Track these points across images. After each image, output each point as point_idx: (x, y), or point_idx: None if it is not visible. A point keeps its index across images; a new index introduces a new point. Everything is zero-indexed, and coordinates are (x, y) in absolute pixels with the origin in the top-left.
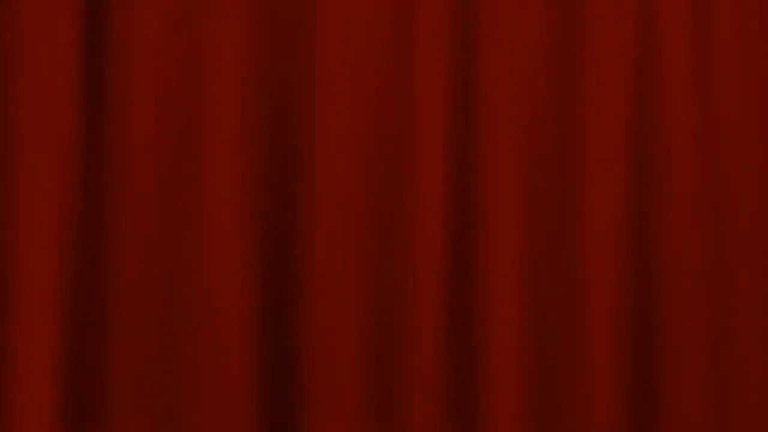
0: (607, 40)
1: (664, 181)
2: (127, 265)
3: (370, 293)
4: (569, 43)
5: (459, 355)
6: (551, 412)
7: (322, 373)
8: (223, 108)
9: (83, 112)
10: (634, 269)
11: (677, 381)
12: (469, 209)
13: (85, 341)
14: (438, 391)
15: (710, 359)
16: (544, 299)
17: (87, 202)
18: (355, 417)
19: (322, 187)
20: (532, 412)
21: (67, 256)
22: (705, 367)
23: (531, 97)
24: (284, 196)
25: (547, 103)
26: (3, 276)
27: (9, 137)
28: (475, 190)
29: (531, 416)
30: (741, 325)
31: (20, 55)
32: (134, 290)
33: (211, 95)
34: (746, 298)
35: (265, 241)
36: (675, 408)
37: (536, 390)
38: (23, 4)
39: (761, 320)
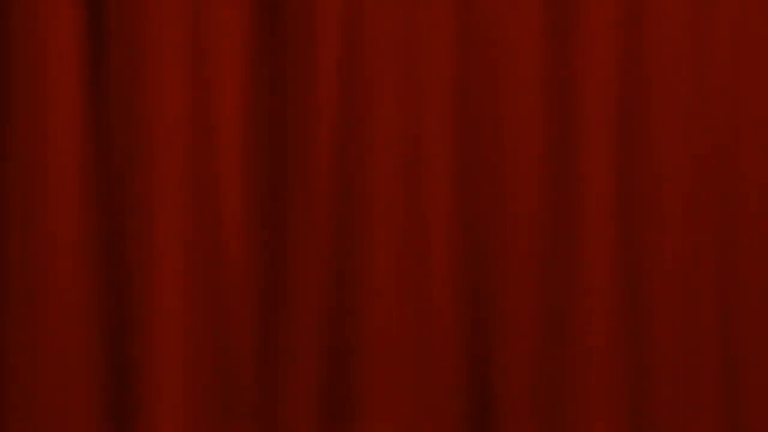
0: (598, 33)
1: (656, 176)
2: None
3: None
4: (561, 37)
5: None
6: (560, 404)
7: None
8: (228, 103)
9: (91, 109)
10: (627, 264)
11: (677, 375)
12: (479, 207)
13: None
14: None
15: (711, 346)
16: (551, 297)
17: (100, 199)
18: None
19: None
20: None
21: (85, 255)
22: (708, 357)
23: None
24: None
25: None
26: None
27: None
28: (485, 188)
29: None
30: (743, 312)
31: (28, 52)
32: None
33: (218, 88)
34: (746, 288)
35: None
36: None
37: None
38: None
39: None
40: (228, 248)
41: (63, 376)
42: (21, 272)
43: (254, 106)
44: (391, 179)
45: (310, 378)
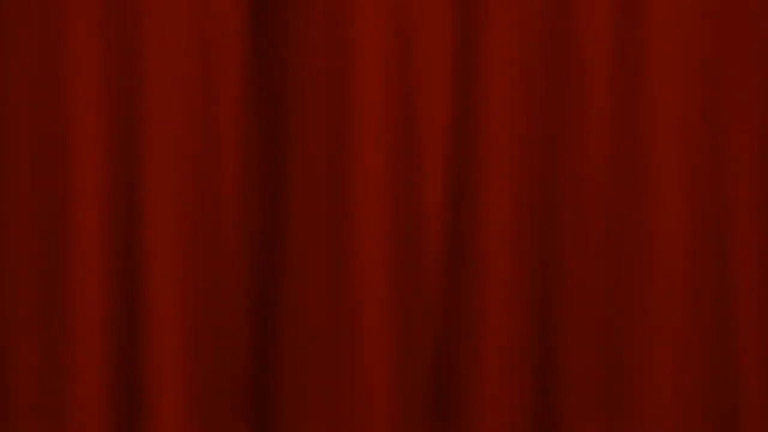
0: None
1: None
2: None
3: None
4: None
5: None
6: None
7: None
8: (225, 99)
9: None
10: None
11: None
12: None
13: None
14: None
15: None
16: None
17: (105, 200)
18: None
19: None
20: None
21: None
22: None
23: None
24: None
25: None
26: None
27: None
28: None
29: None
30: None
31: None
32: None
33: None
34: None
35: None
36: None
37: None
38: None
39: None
40: (225, 249)
41: (62, 377)
42: (27, 270)
43: (251, 105)
44: (386, 174)
45: (308, 378)
